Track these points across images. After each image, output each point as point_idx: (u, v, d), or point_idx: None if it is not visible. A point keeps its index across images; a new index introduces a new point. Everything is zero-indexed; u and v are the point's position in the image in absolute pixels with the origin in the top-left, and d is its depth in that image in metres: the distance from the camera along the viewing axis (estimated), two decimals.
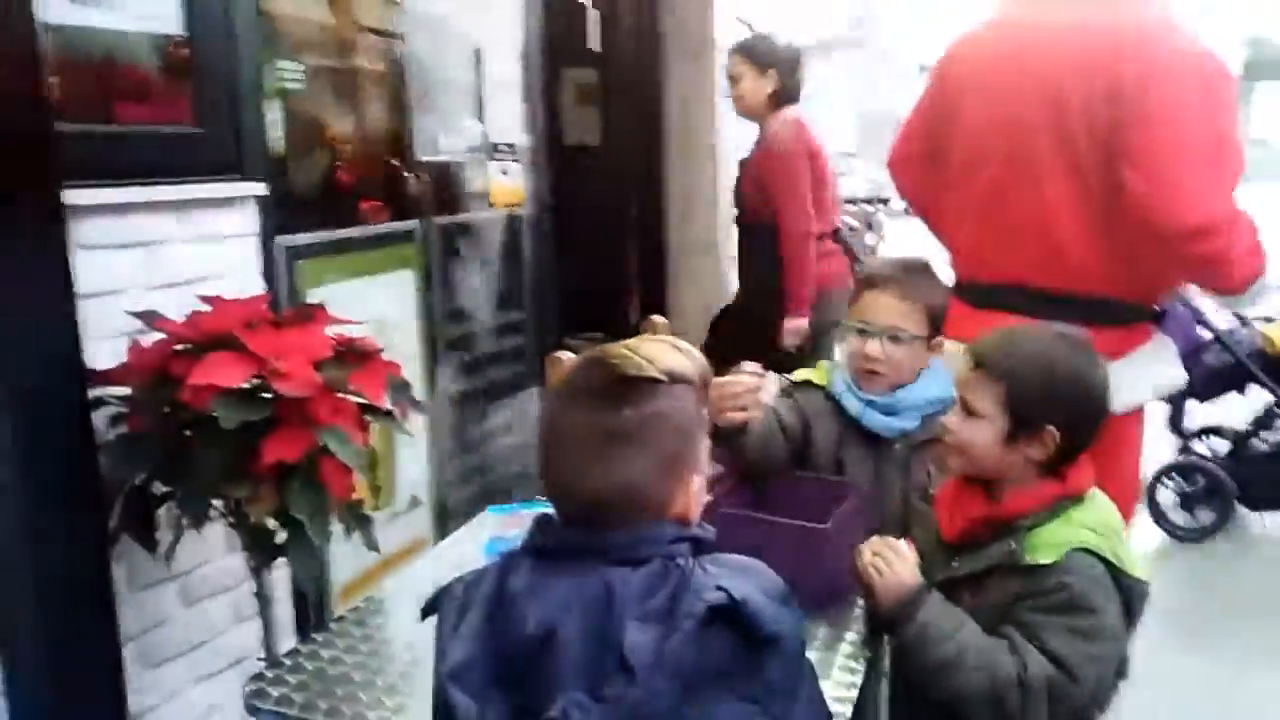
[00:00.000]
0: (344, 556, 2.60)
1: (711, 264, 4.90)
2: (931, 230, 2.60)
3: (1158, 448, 4.72)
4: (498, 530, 2.13)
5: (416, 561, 2.18)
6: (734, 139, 5.19)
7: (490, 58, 3.43)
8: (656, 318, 3.21)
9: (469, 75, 3.34)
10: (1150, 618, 1.65)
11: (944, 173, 2.43)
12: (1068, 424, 1.60)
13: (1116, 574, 1.58)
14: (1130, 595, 1.60)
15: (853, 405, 2.07)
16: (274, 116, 2.54)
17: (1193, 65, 2.06)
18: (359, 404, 1.97)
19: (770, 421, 2.08)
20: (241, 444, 1.77)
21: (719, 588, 1.09)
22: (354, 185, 2.97)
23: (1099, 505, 1.65)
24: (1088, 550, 1.56)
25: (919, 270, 2.11)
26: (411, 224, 3.07)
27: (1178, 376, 2.39)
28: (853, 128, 30.28)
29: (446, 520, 3.13)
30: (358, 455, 1.87)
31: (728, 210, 5.12)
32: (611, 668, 1.07)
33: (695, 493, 1.22)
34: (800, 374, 2.21)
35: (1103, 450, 1.72)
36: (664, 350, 1.23)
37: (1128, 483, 2.32)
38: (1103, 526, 1.61)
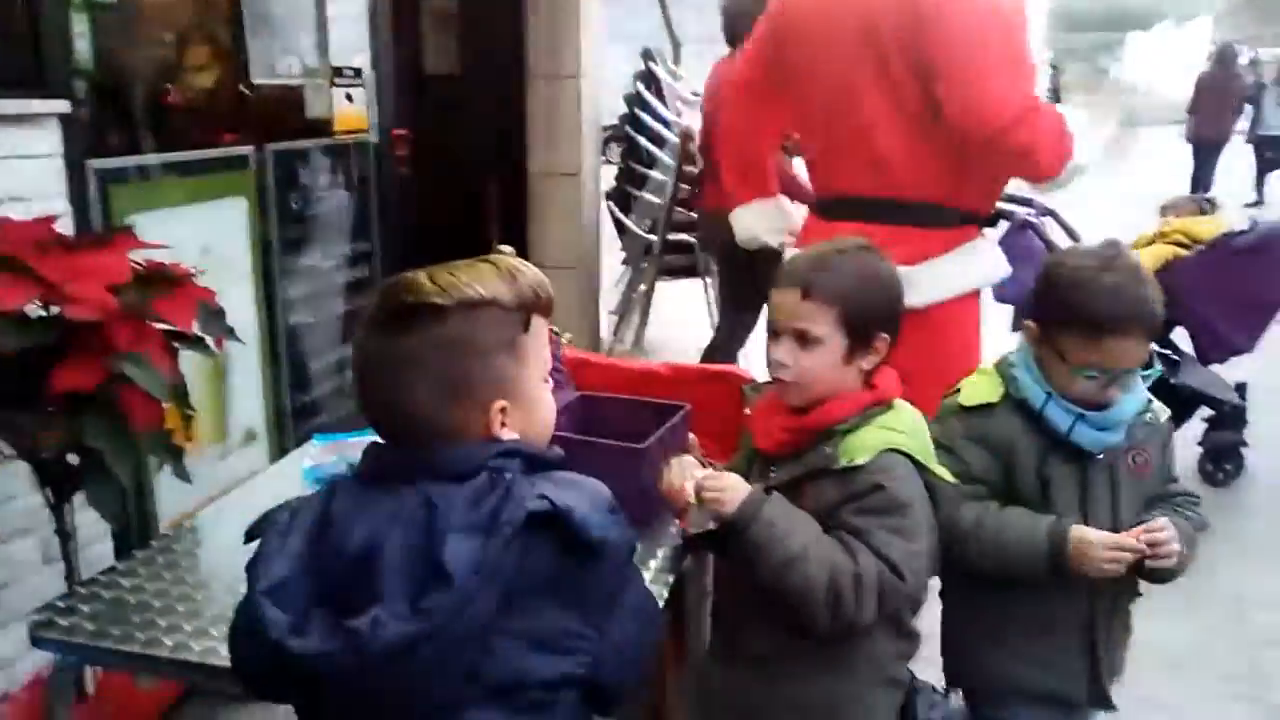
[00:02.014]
0: (172, 492, 2.51)
1: (574, 191, 4.85)
2: (745, 150, 2.89)
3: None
4: (319, 458, 2.08)
5: (234, 491, 2.12)
6: (604, 68, 5.13)
7: None
8: (504, 248, 3.14)
9: None
10: None
11: (782, 97, 2.67)
12: (891, 327, 1.68)
13: (925, 473, 1.65)
14: (938, 495, 1.67)
15: (1061, 420, 1.77)
16: (81, 29, 2.38)
17: None
18: (166, 331, 1.89)
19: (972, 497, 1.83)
20: (28, 371, 1.69)
21: (541, 496, 1.10)
22: (180, 107, 2.83)
23: (907, 411, 1.70)
24: (898, 451, 1.62)
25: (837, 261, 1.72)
26: (245, 149, 2.95)
27: (1000, 267, 2.67)
28: None
29: (286, 455, 3.06)
30: (161, 383, 1.80)
31: (593, 137, 5.08)
32: (429, 576, 1.06)
33: (499, 415, 1.18)
34: (968, 397, 1.86)
35: (945, 334, 2.02)
36: (473, 273, 1.19)
37: (973, 360, 2.56)
38: (911, 429, 1.67)
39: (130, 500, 2.41)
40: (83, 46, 2.40)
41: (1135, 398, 1.82)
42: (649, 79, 6.04)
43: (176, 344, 1.92)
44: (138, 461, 1.91)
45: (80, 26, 2.38)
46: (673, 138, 5.66)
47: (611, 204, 6.13)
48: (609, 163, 6.45)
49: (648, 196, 5.86)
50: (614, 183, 6.30)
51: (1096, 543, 1.72)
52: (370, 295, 1.26)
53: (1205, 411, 4.30)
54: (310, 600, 1.10)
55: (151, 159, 2.60)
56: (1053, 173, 2.41)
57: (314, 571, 1.12)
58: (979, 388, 1.86)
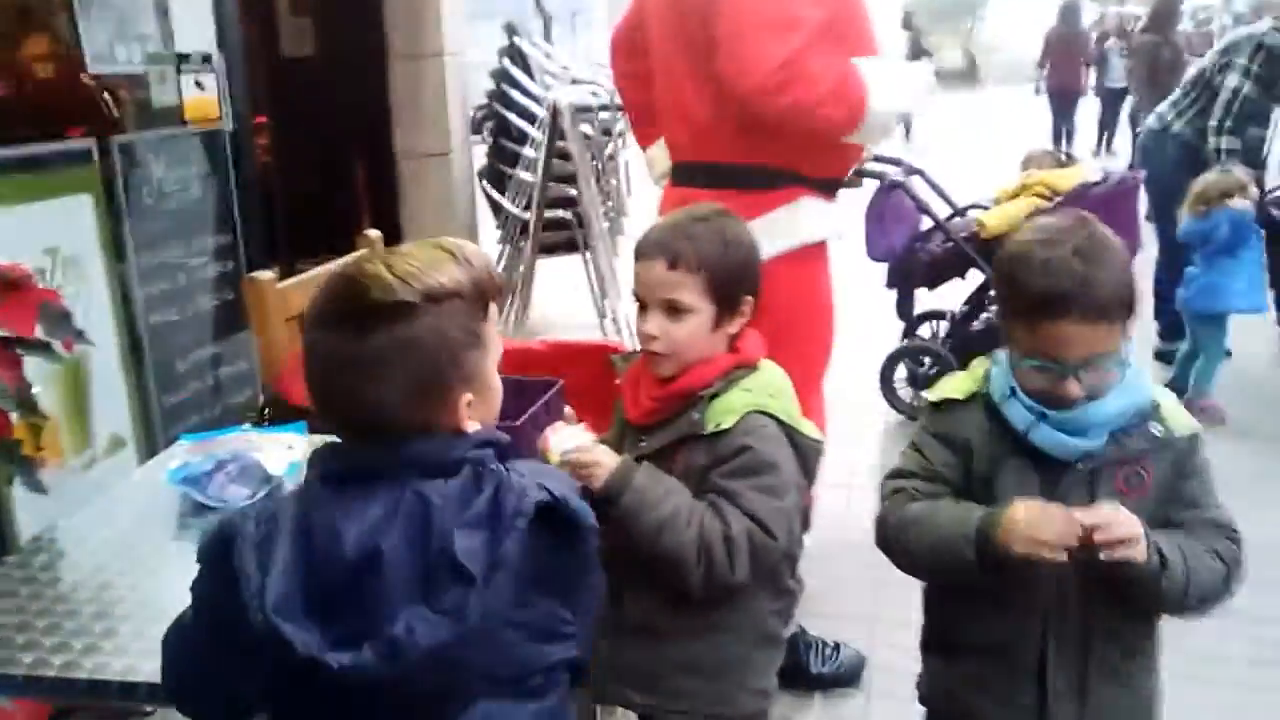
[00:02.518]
0: (34, 505, 2.39)
1: (445, 172, 4.78)
2: (635, 100, 2.96)
3: (889, 335, 5.00)
4: (186, 458, 2.01)
5: (106, 493, 2.03)
6: (473, 46, 5.06)
7: None
8: (371, 232, 3.08)
9: None
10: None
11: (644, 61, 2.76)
12: (754, 288, 1.71)
13: (791, 432, 1.67)
14: (805, 452, 1.70)
15: (1019, 418, 1.55)
16: None
17: None
18: (5, 338, 1.79)
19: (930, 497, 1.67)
20: None
21: (541, 486, 1.10)
22: (14, 100, 2.68)
23: (771, 372, 1.73)
24: (763, 412, 1.64)
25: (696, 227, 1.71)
26: (87, 143, 2.81)
27: (825, 226, 2.67)
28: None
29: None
30: (4, 392, 1.71)
31: (461, 116, 5.00)
32: (444, 578, 1.04)
33: (466, 409, 1.16)
34: (941, 390, 1.70)
35: (774, 291, 1.90)
36: (430, 261, 1.15)
37: (815, 318, 2.68)
38: (775, 390, 1.70)
39: None
40: None
41: (1122, 399, 1.53)
42: (515, 54, 5.97)
43: (19, 350, 1.83)
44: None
45: None
46: (543, 113, 5.61)
47: (485, 183, 6.06)
48: (484, 142, 6.39)
49: (521, 174, 5.81)
50: (486, 160, 6.23)
51: (1023, 516, 1.45)
52: (319, 289, 1.17)
53: None
54: (306, 614, 1.05)
55: None
56: (842, 127, 2.44)
57: (308, 585, 1.07)
58: (952, 382, 1.69)
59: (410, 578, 1.05)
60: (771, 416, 1.64)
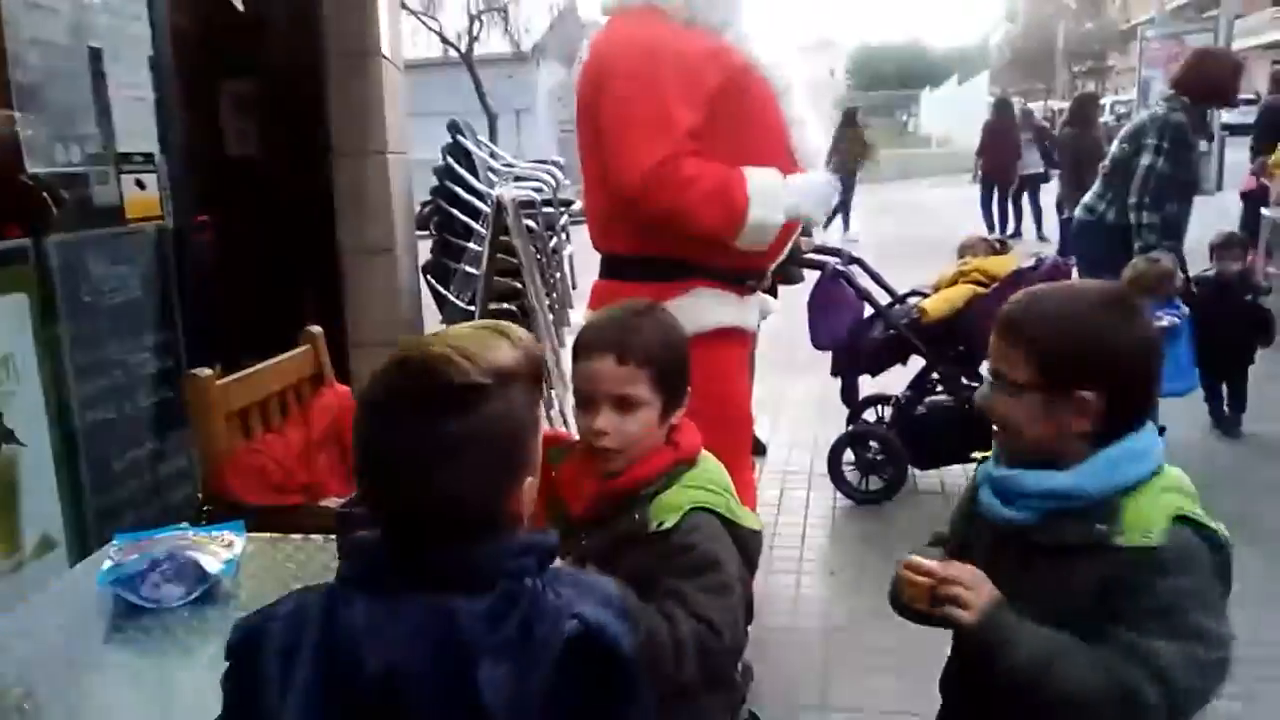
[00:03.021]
0: None
1: (390, 267, 4.79)
2: None
3: (837, 420, 5.04)
4: (119, 558, 1.95)
5: (33, 597, 1.98)
6: (419, 144, 5.12)
7: (113, 58, 3.17)
8: (313, 328, 3.08)
9: (85, 76, 3.07)
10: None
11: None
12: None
13: (732, 526, 1.67)
14: (746, 544, 1.70)
15: (979, 474, 1.60)
16: None
17: (634, 61, 2.48)
18: None
19: None
20: None
21: (573, 615, 1.04)
22: None
23: (709, 466, 1.74)
24: (704, 508, 1.64)
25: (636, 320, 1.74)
26: (22, 242, 2.79)
27: (723, 315, 2.69)
28: (555, 137, 30.76)
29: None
30: None
31: (405, 211, 5.04)
32: (466, 709, 0.99)
33: (527, 492, 1.14)
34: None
35: (702, 374, 1.89)
36: (487, 342, 1.13)
37: (717, 403, 2.60)
38: (715, 485, 1.70)
39: None
40: None
41: (1056, 480, 1.46)
42: (459, 152, 6.05)
43: None
44: None
45: None
46: (486, 209, 5.66)
47: (430, 277, 6.08)
48: (429, 236, 6.42)
49: (466, 268, 5.84)
50: (430, 255, 6.26)
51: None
52: (378, 375, 1.12)
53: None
54: None
55: None
56: (720, 231, 2.51)
57: (329, 706, 1.02)
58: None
59: (432, 707, 1.01)
60: (713, 512, 1.64)
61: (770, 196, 2.50)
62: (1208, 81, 5.10)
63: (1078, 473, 1.45)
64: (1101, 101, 18.78)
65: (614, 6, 2.70)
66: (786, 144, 2.62)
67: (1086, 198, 5.49)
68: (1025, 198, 13.47)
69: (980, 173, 13.93)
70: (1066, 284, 1.81)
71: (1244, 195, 8.35)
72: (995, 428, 1.55)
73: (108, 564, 1.94)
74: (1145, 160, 4.96)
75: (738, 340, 2.77)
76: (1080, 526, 1.43)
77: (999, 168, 13.30)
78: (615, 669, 1.06)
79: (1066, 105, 13.89)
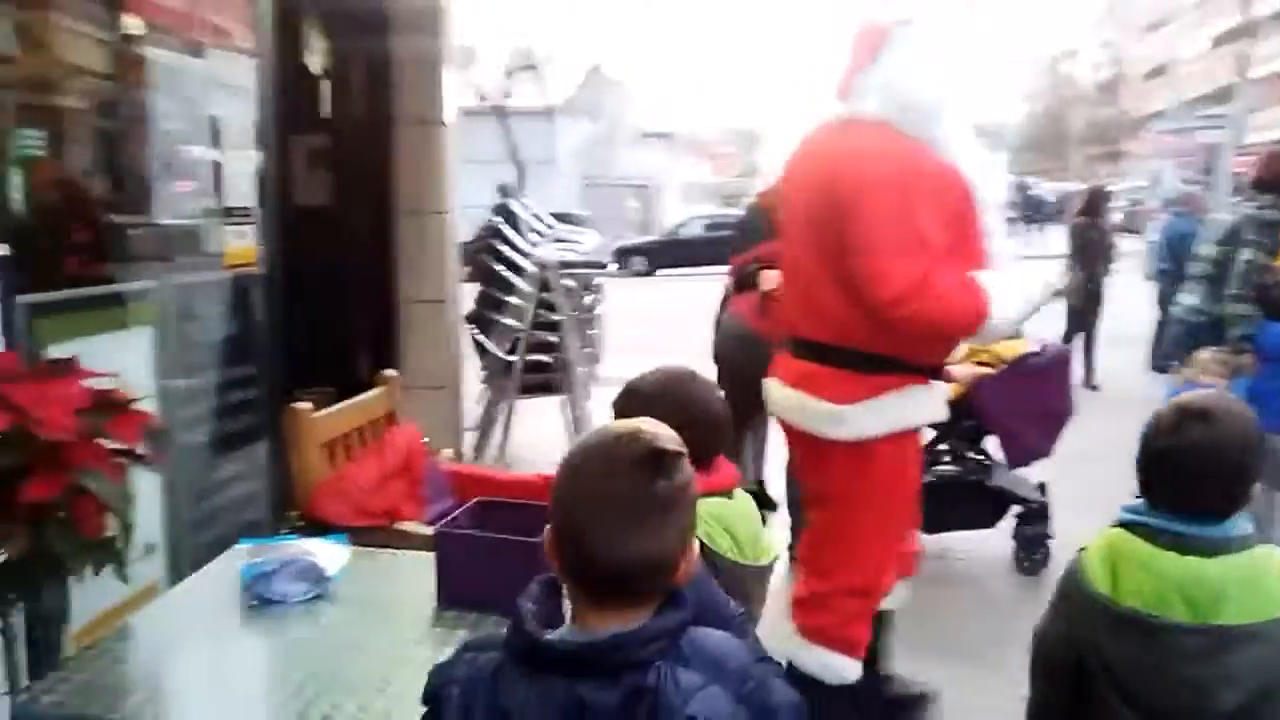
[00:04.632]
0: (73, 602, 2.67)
1: (440, 317, 5.20)
2: None
3: None
4: (249, 558, 2.32)
5: (175, 590, 2.36)
6: (461, 203, 5.55)
7: (226, 124, 3.61)
8: (389, 372, 3.47)
9: (205, 140, 3.50)
10: None
11: None
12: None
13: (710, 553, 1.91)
14: (728, 573, 1.93)
15: None
16: (16, 181, 2.65)
17: (891, 181, 2.66)
18: (113, 449, 2.14)
19: None
20: None
21: (690, 715, 1.14)
22: (95, 246, 3.08)
23: (725, 499, 2.04)
24: None
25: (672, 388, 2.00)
26: (149, 283, 3.21)
27: (925, 413, 2.93)
28: (577, 191, 31.37)
29: (181, 566, 3.23)
30: (116, 494, 2.05)
31: (454, 265, 5.45)
32: None
33: (690, 557, 1.28)
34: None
35: (878, 465, 2.54)
36: (658, 425, 1.29)
37: (905, 491, 2.93)
38: (709, 516, 1.94)
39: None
40: (17, 197, 2.67)
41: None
42: (506, 212, 6.48)
43: (123, 460, 2.17)
44: (93, 564, 2.12)
45: (16, 179, 2.65)
46: (530, 267, 6.08)
47: (472, 326, 6.48)
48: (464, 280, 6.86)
49: (507, 320, 6.24)
50: (473, 306, 6.67)
51: None
52: (585, 443, 1.31)
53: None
54: None
55: (71, 294, 2.85)
56: (966, 334, 2.82)
57: None
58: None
59: None
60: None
61: (1005, 299, 2.75)
62: None
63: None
64: (1114, 188, 19.14)
65: (843, 115, 2.89)
66: (984, 252, 2.84)
67: (1187, 301, 5.72)
68: None
69: None
70: None
71: None
72: None
73: (244, 561, 2.31)
74: (1246, 255, 5.26)
75: (919, 432, 3.03)
76: None
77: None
78: None
79: (1081, 187, 14.19)
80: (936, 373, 2.93)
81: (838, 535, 2.91)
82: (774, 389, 2.98)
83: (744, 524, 2.06)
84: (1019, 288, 2.84)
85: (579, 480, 1.25)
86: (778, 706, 1.25)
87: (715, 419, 2.02)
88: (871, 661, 3.03)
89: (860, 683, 2.96)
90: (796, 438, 2.98)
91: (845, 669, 2.90)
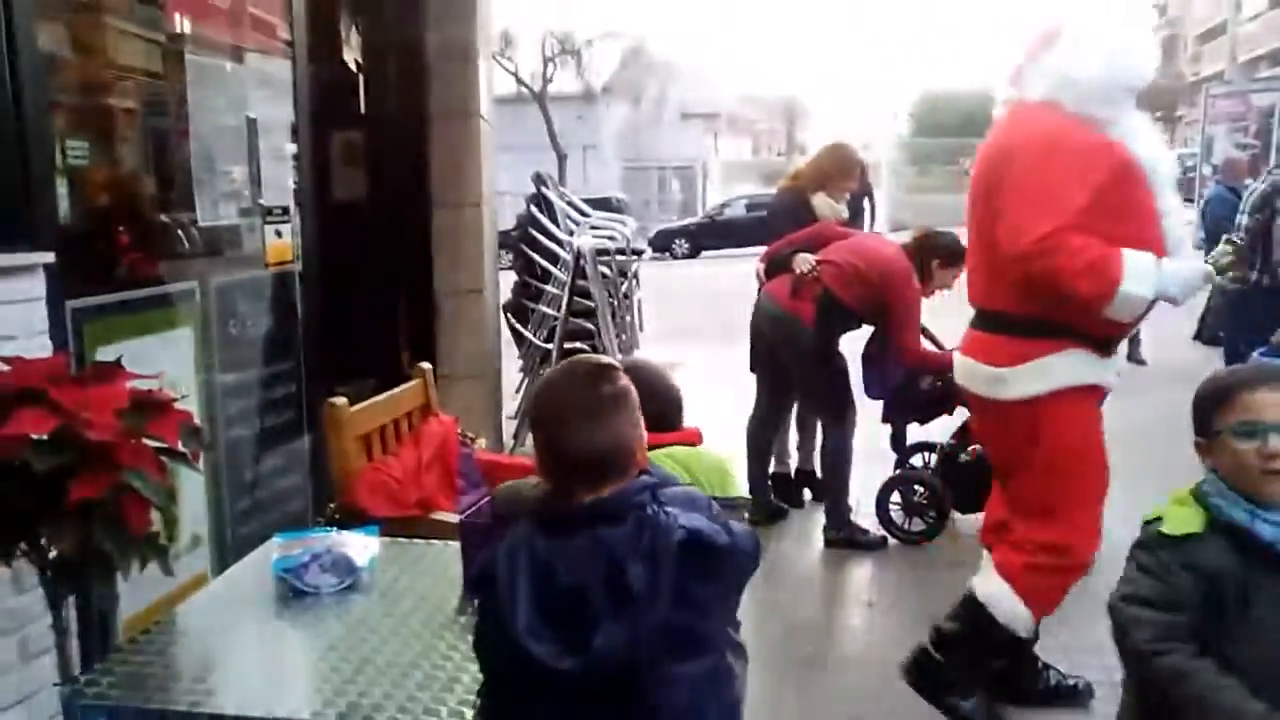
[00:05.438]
0: (125, 593, 2.78)
1: (478, 307, 5.29)
2: None
3: (886, 464, 5.41)
4: (282, 552, 2.42)
5: (215, 583, 2.47)
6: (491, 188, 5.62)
7: (265, 127, 3.70)
8: (423, 365, 3.56)
9: (243, 142, 3.59)
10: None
11: None
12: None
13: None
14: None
15: (1268, 532, 1.92)
16: (63, 190, 2.76)
17: (1037, 146, 2.88)
18: (155, 448, 2.23)
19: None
20: (47, 487, 2.02)
21: (681, 526, 1.58)
22: (140, 250, 3.18)
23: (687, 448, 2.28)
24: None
25: None
26: (191, 284, 3.31)
27: (1088, 374, 3.06)
28: (618, 175, 31.39)
29: (226, 556, 3.35)
30: (159, 491, 2.15)
31: (492, 255, 5.54)
32: (623, 597, 1.54)
33: (643, 446, 1.73)
34: (1173, 527, 2.00)
35: (1065, 425, 2.82)
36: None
37: (1088, 451, 3.09)
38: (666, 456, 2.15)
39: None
40: (64, 207, 2.78)
41: None
42: (541, 201, 6.55)
43: (165, 458, 2.27)
44: (139, 559, 2.22)
45: (62, 189, 2.76)
46: (565, 255, 6.15)
47: (509, 315, 6.57)
48: (503, 268, 6.95)
49: (544, 309, 6.32)
50: (510, 295, 6.75)
51: None
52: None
53: None
54: (545, 626, 1.57)
55: (117, 297, 2.96)
56: (1091, 300, 2.85)
57: (542, 608, 1.58)
58: (1181, 518, 1.98)
59: (604, 602, 1.54)
60: None
61: (1143, 274, 2.84)
62: None
63: None
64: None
65: (1015, 98, 3.14)
66: (1158, 232, 2.94)
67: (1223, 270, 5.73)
68: None
69: None
70: None
71: None
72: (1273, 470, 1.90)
73: (276, 555, 2.41)
74: None
75: (1097, 395, 3.14)
76: None
77: None
78: (713, 557, 1.60)
79: None
80: (1105, 344, 3.07)
81: (1031, 494, 3.12)
82: (956, 358, 3.29)
83: (706, 473, 2.24)
84: (1171, 271, 2.92)
85: (549, 395, 1.72)
86: (738, 529, 1.67)
87: (669, 395, 2.36)
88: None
89: (1025, 647, 3.24)
90: (973, 402, 3.27)
91: (1017, 616, 3.10)
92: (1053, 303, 2.90)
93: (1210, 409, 2.01)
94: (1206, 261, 3.27)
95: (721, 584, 1.67)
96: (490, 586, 1.63)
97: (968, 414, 5.08)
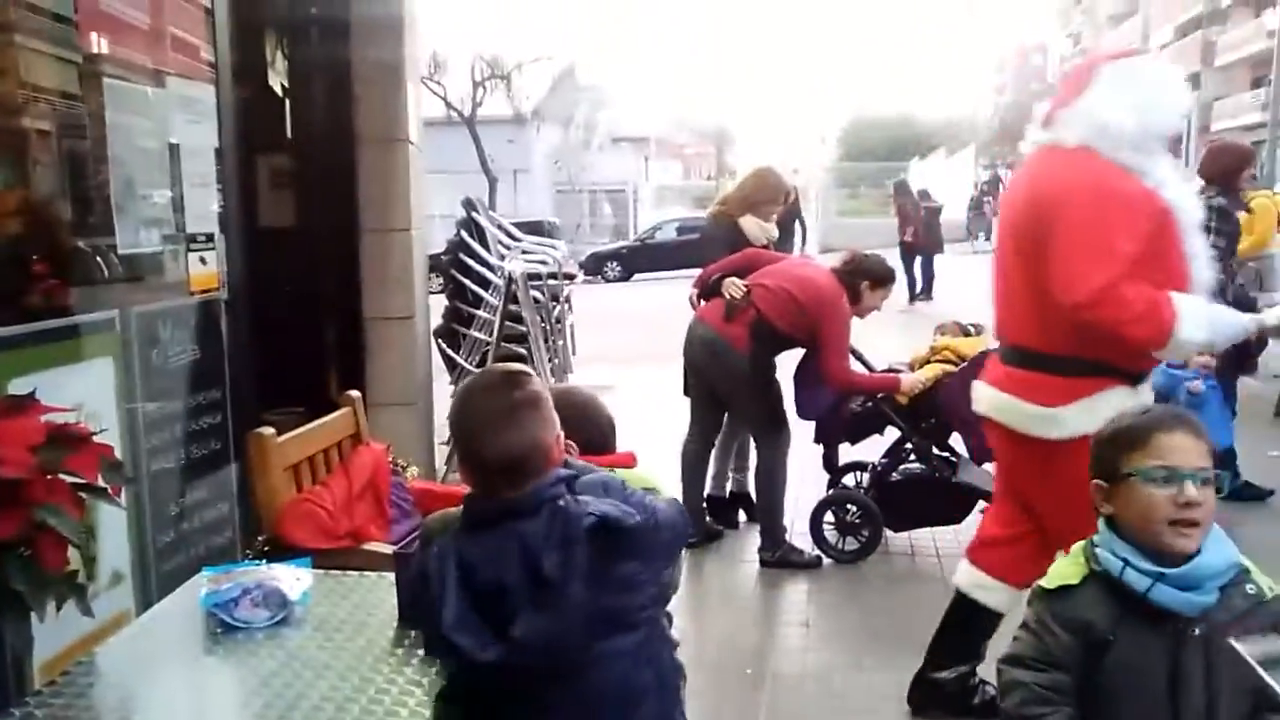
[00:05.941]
0: (40, 635, 2.68)
1: (408, 333, 5.22)
2: None
3: (819, 485, 5.45)
4: (212, 586, 2.34)
5: (140, 620, 2.38)
6: (422, 213, 5.57)
7: (188, 152, 3.61)
8: (352, 393, 3.49)
9: (165, 168, 3.51)
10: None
11: None
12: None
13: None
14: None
15: (1138, 582, 1.82)
16: None
17: (1086, 195, 2.92)
18: (73, 483, 2.15)
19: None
20: None
21: (589, 514, 1.72)
22: (55, 277, 3.08)
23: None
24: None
25: None
26: (111, 313, 3.21)
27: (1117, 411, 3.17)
28: (549, 198, 31.40)
29: (151, 593, 3.24)
30: (77, 529, 2.07)
31: (422, 281, 5.47)
32: (539, 584, 1.68)
33: (559, 445, 1.89)
34: (1056, 577, 1.96)
35: (1064, 473, 2.70)
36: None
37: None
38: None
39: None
40: None
41: (1222, 553, 1.77)
42: (471, 226, 6.51)
43: (83, 494, 2.18)
44: (56, 600, 2.13)
45: None
46: (497, 280, 6.11)
47: (441, 341, 6.50)
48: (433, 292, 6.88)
49: (476, 334, 6.27)
50: (441, 321, 6.69)
51: None
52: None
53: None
54: (471, 619, 1.70)
55: (31, 328, 2.85)
56: (1149, 345, 2.94)
57: (469, 604, 1.71)
58: (1062, 569, 1.93)
59: (524, 593, 1.67)
60: None
61: (1195, 319, 2.90)
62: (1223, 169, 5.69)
63: (1221, 543, 1.82)
64: None
65: (1047, 140, 3.15)
66: (1187, 273, 3.01)
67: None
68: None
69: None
70: None
71: None
72: (1196, 525, 1.79)
73: (204, 590, 2.33)
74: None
75: None
76: (1241, 590, 1.78)
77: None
78: (625, 537, 1.73)
79: None
80: (1139, 378, 3.12)
81: (1071, 532, 3.09)
82: (984, 391, 3.31)
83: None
84: (1218, 316, 3.02)
85: (464, 405, 1.87)
86: (659, 506, 1.83)
87: (601, 420, 2.45)
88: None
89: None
90: (1006, 436, 3.24)
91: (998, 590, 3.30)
92: (1106, 344, 2.96)
93: (1118, 451, 1.90)
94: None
95: (643, 559, 1.78)
96: (422, 581, 1.78)
97: (897, 435, 5.21)
